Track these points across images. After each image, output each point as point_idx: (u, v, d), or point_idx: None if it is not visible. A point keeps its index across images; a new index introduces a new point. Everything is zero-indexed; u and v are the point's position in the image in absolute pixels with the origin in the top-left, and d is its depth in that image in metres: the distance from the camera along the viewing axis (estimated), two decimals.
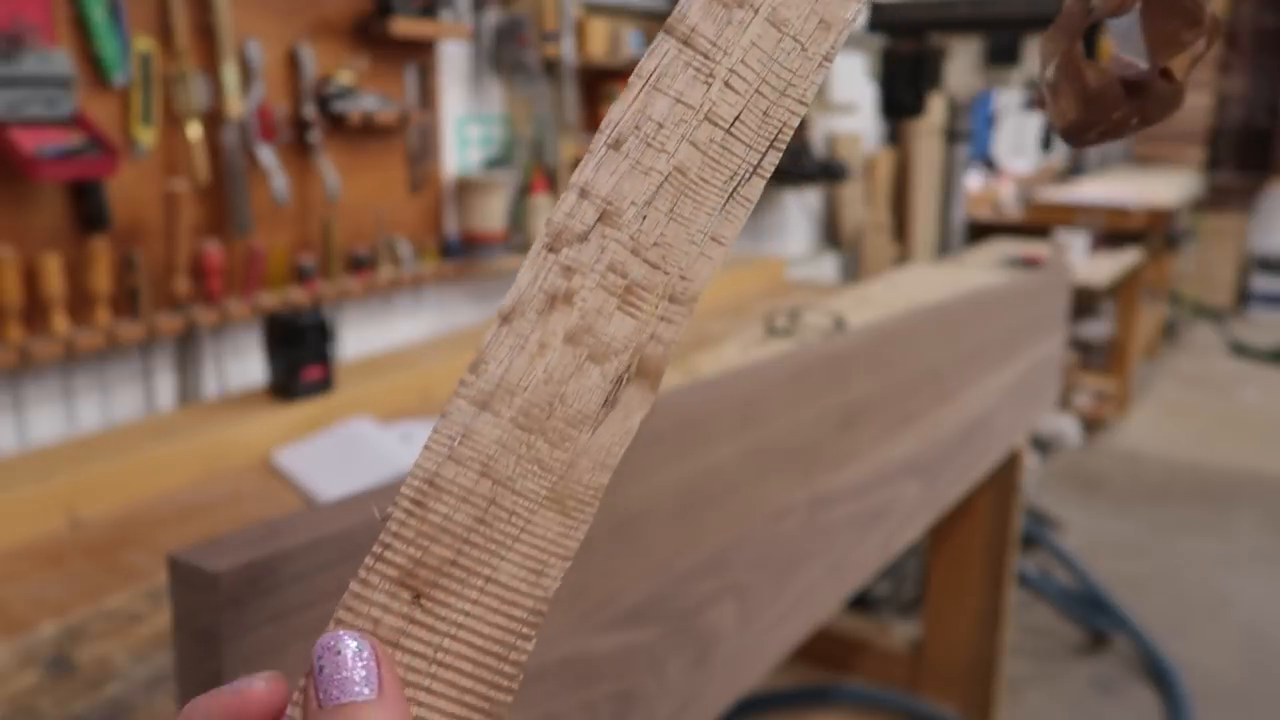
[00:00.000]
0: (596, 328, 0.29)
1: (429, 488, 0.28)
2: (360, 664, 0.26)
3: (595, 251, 0.30)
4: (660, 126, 0.30)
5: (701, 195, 0.30)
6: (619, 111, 0.30)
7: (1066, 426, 3.54)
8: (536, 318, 0.29)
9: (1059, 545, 2.65)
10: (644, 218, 0.30)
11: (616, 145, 0.30)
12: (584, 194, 0.30)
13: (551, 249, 0.30)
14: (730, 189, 0.31)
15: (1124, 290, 3.81)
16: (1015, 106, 5.03)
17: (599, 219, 0.30)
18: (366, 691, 0.26)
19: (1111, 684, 2.16)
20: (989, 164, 5.11)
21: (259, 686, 0.27)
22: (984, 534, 1.70)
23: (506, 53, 2.33)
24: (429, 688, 0.27)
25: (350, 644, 0.26)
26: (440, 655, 0.27)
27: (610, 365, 0.29)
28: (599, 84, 2.64)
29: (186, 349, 1.80)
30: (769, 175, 0.31)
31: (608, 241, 0.30)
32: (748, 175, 0.31)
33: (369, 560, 0.27)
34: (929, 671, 1.83)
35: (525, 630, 0.28)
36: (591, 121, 2.66)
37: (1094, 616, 2.35)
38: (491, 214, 2.28)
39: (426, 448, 0.28)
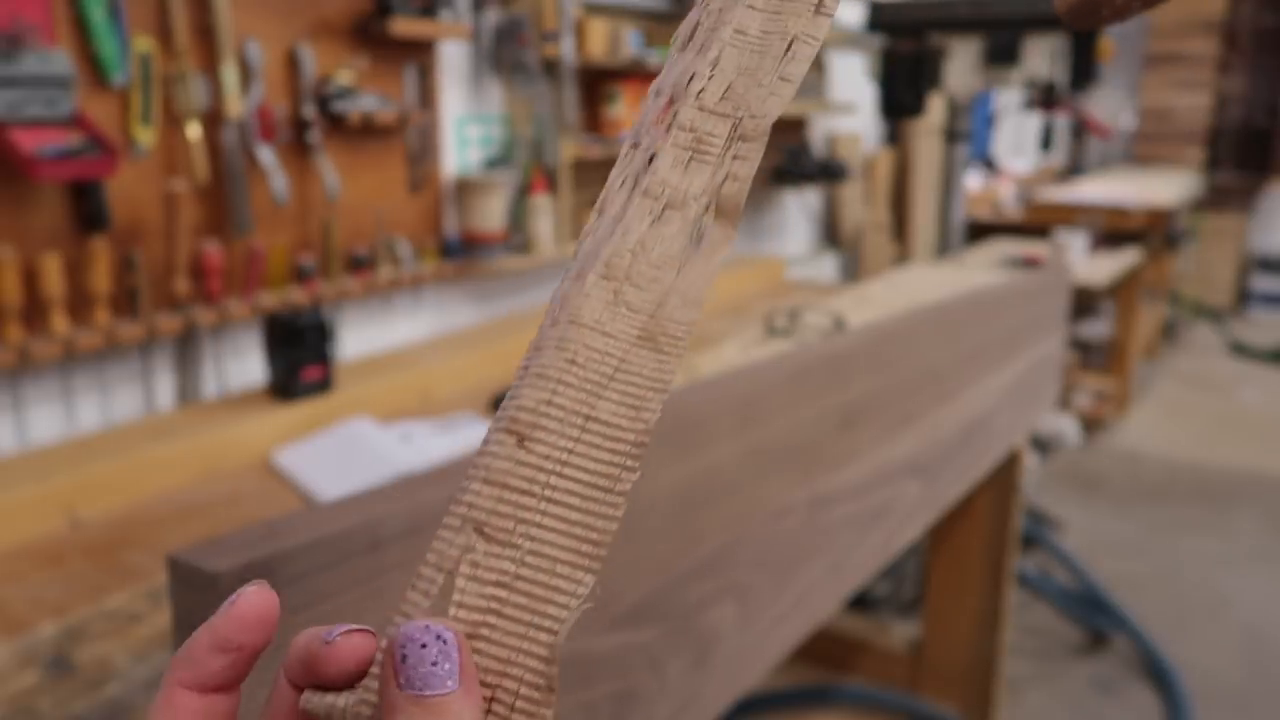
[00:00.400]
0: (672, 181, 0.31)
1: (535, 351, 0.30)
2: (444, 656, 0.26)
3: (668, 124, 0.31)
4: (720, 10, 0.32)
5: (765, 45, 0.32)
6: (686, 21, 0.33)
7: (1066, 426, 3.54)
8: (625, 197, 0.31)
9: (1059, 545, 2.65)
10: (709, 78, 0.32)
11: (683, 45, 0.33)
12: (658, 93, 0.32)
13: (635, 145, 0.32)
14: (792, 34, 0.32)
15: (1124, 290, 3.81)
16: (1015, 106, 5.02)
17: (670, 101, 0.32)
18: (451, 684, 0.26)
19: (1111, 684, 2.16)
20: (989, 164, 5.11)
21: (251, 596, 0.28)
22: (984, 534, 1.70)
23: (506, 53, 2.33)
24: (539, 523, 0.28)
25: (435, 635, 0.26)
26: (548, 492, 0.29)
27: (690, 210, 0.31)
28: (599, 84, 2.64)
29: (186, 349, 1.79)
30: (833, 13, 0.33)
31: (680, 112, 0.31)
32: (811, 13, 0.33)
33: (492, 423, 0.29)
34: (929, 671, 1.83)
35: (629, 463, 0.29)
36: (591, 121, 2.66)
37: (1094, 616, 2.35)
38: (491, 214, 2.28)
39: (541, 327, 0.31)
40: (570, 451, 0.29)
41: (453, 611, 0.27)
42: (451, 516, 0.28)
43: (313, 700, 0.28)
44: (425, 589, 0.28)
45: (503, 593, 0.28)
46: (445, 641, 0.26)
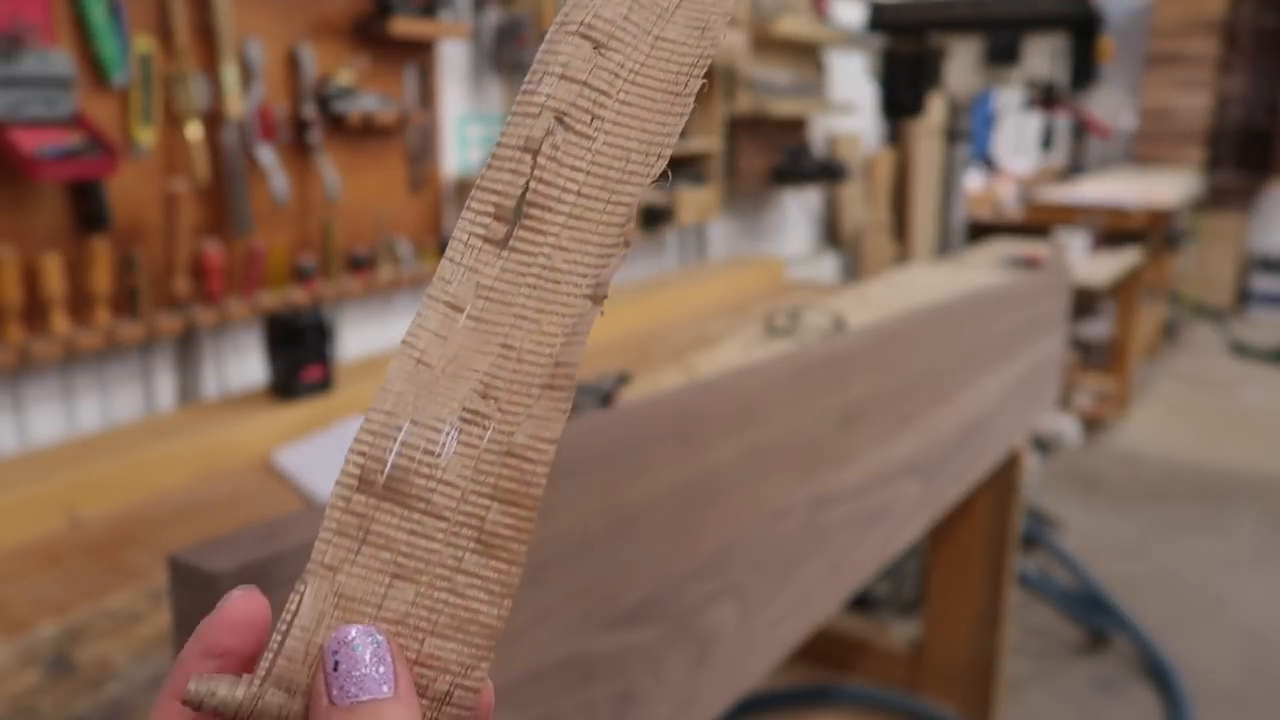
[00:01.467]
0: None
1: None
2: (378, 660, 0.25)
3: None
4: None
5: None
6: None
7: (1066, 426, 3.54)
8: None
9: (1059, 545, 2.65)
10: None
11: None
12: None
13: None
14: None
15: (1124, 290, 3.81)
16: (1015, 106, 5.02)
17: None
18: (385, 689, 0.25)
19: (1111, 684, 2.16)
20: (989, 164, 5.11)
21: (237, 600, 0.26)
22: (984, 534, 1.70)
23: (506, 53, 2.33)
24: (615, 120, 0.31)
25: (367, 640, 0.25)
26: (622, 94, 0.31)
27: None
28: None
29: (186, 349, 1.80)
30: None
31: None
32: None
33: (553, 29, 0.31)
34: (929, 671, 1.83)
35: (695, 71, 0.32)
36: None
37: (1094, 616, 2.35)
38: None
39: None
40: (642, 65, 0.31)
41: (534, 186, 0.29)
42: (524, 105, 0.30)
43: (200, 689, 0.25)
44: (513, 166, 0.30)
45: (580, 176, 0.30)
46: (379, 644, 0.25)
